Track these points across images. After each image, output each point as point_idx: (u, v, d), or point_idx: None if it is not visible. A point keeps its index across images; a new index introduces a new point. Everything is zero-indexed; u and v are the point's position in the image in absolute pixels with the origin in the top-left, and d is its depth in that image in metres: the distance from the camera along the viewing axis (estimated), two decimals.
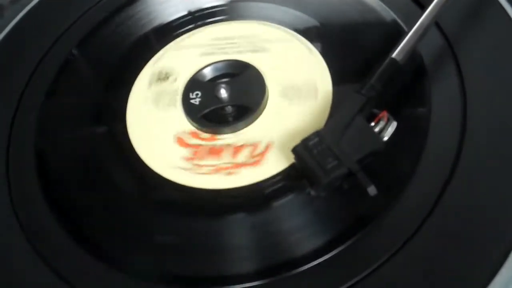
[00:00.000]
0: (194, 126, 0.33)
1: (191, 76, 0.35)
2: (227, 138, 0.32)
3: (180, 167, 0.31)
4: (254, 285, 0.25)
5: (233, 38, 0.36)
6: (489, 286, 0.23)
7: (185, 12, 0.39)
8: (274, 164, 0.30)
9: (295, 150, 0.27)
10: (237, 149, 0.31)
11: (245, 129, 0.32)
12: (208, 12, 0.39)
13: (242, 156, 0.31)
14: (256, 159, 0.30)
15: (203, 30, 0.38)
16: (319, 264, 0.25)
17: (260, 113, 0.32)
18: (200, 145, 0.32)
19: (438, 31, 0.32)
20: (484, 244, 0.24)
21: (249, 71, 0.34)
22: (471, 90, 0.29)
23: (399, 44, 0.29)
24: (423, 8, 0.31)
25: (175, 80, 0.35)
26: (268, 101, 0.33)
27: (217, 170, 0.30)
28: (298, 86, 0.33)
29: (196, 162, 0.31)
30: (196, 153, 0.31)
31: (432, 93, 0.30)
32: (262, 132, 0.31)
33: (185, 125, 0.33)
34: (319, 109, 0.31)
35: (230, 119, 0.32)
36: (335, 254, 0.25)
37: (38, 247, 0.28)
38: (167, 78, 0.35)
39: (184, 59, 0.36)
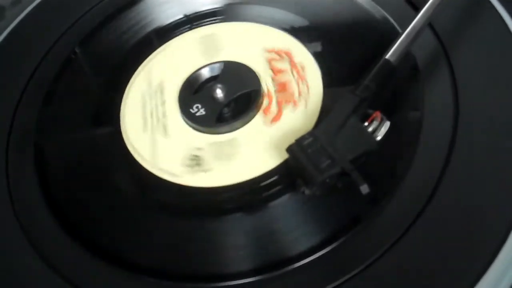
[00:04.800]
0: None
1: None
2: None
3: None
4: (246, 282, 0.26)
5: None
6: (477, 284, 0.23)
7: (181, 16, 0.39)
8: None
9: (289, 149, 0.28)
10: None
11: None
12: (205, 16, 0.39)
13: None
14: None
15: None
16: (310, 262, 0.26)
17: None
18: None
19: (432, 32, 0.32)
20: (474, 243, 0.24)
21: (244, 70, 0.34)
22: (464, 91, 0.29)
23: (393, 46, 0.30)
24: (416, 9, 0.31)
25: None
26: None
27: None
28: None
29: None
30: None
31: (425, 93, 0.30)
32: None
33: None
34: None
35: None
36: (327, 252, 0.26)
37: (38, 247, 0.28)
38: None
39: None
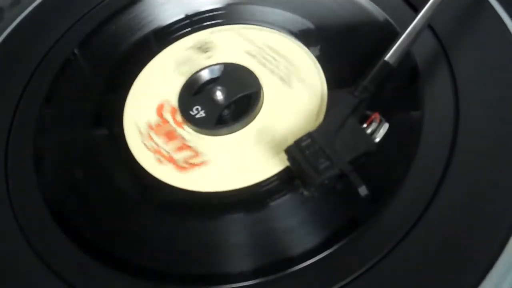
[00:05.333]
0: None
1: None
2: (188, 133, 0.32)
3: (140, 129, 0.32)
4: (247, 284, 0.26)
5: (277, 54, 0.35)
6: (480, 285, 0.23)
7: (182, 16, 0.39)
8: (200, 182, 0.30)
9: (288, 150, 0.28)
10: (183, 146, 0.32)
11: (209, 137, 0.32)
12: (206, 16, 0.39)
13: (180, 155, 0.31)
14: (185, 166, 0.31)
15: (263, 29, 0.37)
16: (311, 264, 0.26)
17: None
18: (167, 121, 0.33)
19: (431, 34, 0.32)
20: (476, 244, 0.24)
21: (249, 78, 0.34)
22: (464, 92, 0.29)
23: (392, 47, 0.30)
24: (416, 10, 0.31)
25: (209, 57, 0.36)
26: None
27: (155, 151, 0.32)
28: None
29: (151, 133, 0.32)
30: (159, 126, 0.33)
31: (425, 95, 0.30)
32: (218, 148, 0.31)
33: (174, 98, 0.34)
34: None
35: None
36: (328, 254, 0.26)
37: (37, 247, 0.28)
38: (205, 51, 0.36)
39: (232, 47, 0.36)
